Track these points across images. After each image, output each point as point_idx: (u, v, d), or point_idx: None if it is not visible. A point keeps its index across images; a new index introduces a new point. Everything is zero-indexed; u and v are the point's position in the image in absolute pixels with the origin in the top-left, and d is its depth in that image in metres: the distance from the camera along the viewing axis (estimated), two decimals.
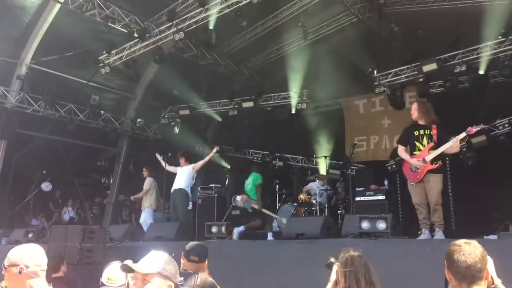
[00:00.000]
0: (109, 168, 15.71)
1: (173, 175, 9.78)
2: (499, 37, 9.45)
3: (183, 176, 9.49)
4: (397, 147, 6.55)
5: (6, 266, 2.63)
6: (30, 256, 2.69)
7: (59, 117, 12.52)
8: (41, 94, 12.06)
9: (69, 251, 6.27)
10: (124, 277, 3.26)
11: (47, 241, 7.23)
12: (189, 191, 9.51)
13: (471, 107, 9.94)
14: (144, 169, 11.27)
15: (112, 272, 3.15)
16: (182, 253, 3.65)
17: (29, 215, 12.86)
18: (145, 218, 10.63)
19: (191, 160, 9.87)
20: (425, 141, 5.93)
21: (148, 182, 10.92)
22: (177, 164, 9.91)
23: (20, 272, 2.61)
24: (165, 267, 2.23)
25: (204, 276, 3.48)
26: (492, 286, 2.21)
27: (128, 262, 2.23)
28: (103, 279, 3.26)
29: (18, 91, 11.89)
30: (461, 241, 2.24)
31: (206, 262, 3.70)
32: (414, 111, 6.13)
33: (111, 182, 15.32)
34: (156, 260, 2.25)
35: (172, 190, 9.50)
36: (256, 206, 9.15)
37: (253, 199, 9.22)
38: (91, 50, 11.65)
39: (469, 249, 2.18)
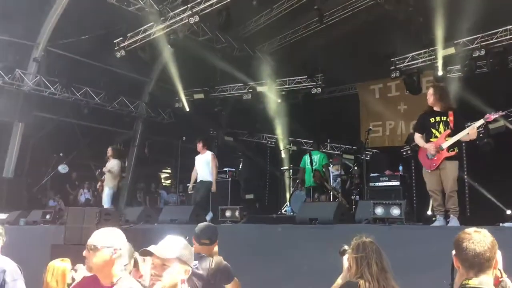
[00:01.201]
0: (124, 151, 15.83)
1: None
2: None
3: (203, 165, 9.08)
4: (412, 133, 6.47)
5: (99, 247, 2.67)
6: (121, 240, 2.80)
7: (75, 100, 12.66)
8: (57, 77, 12.16)
9: (85, 233, 6.36)
10: (128, 257, 3.31)
11: (64, 222, 7.36)
12: (211, 179, 9.03)
13: (489, 92, 9.77)
14: (110, 148, 10.39)
15: None
16: (193, 236, 3.66)
17: (46, 196, 13.07)
18: (106, 200, 9.99)
19: (209, 146, 9.60)
20: (441, 128, 5.82)
21: (116, 164, 10.19)
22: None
23: (112, 255, 2.69)
24: (183, 252, 2.31)
25: (218, 259, 3.50)
26: (500, 279, 2.19)
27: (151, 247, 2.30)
28: None
29: (35, 73, 12.02)
30: (471, 229, 2.23)
31: (216, 243, 3.70)
32: (430, 96, 6.01)
33: (126, 165, 15.46)
34: (174, 246, 2.32)
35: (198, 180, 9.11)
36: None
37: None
38: (107, 34, 11.67)
39: (479, 238, 2.16)
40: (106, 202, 10.00)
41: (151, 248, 2.29)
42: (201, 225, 3.81)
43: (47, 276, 3.61)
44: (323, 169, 9.66)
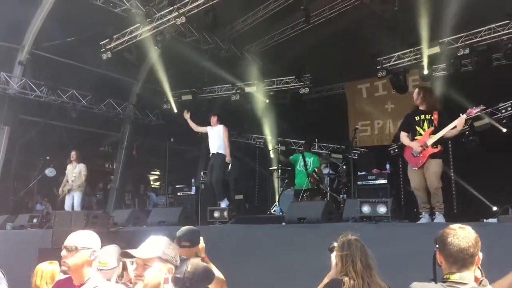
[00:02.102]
0: (112, 154, 15.77)
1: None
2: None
3: (215, 138, 8.89)
4: (399, 132, 6.56)
5: (79, 248, 2.78)
6: (98, 242, 2.92)
7: (62, 103, 12.56)
8: (43, 80, 12.07)
9: None
10: (116, 260, 3.31)
11: (52, 226, 7.31)
12: (224, 152, 8.80)
13: (474, 90, 9.87)
14: (74, 152, 10.42)
15: (103, 255, 3.19)
16: (175, 239, 3.64)
17: (33, 200, 12.95)
18: (78, 202, 10.09)
19: (223, 121, 9.21)
20: (425, 125, 5.94)
21: (84, 168, 10.29)
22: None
23: (90, 256, 2.81)
24: (165, 251, 2.29)
25: (195, 261, 3.48)
26: (481, 279, 2.22)
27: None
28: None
29: (20, 76, 11.91)
30: (456, 225, 2.26)
31: (201, 246, 3.68)
32: (415, 96, 6.13)
33: (114, 167, 15.40)
34: (155, 245, 2.30)
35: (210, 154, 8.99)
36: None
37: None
38: (93, 35, 11.60)
39: (463, 234, 2.20)
40: (79, 206, 10.04)
41: (130, 250, 2.30)
42: (183, 228, 3.81)
43: (36, 279, 3.61)
44: (316, 171, 9.75)
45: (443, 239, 2.21)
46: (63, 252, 2.81)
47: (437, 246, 2.26)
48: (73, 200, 10.13)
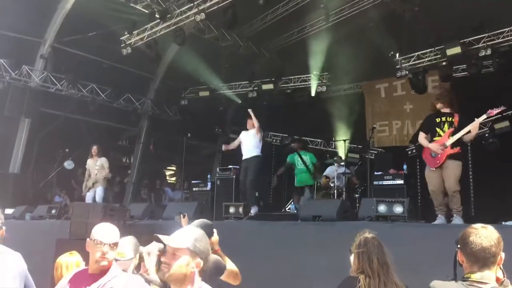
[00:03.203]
0: (130, 148, 15.92)
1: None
2: None
3: (250, 139, 8.66)
4: (417, 132, 6.52)
5: (111, 244, 2.89)
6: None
7: (81, 97, 12.73)
8: (64, 74, 12.24)
9: (90, 228, 6.39)
10: (133, 251, 3.35)
11: (70, 217, 7.43)
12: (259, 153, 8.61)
13: (495, 92, 9.74)
14: (96, 147, 10.51)
15: (121, 246, 3.23)
16: None
17: (52, 192, 13.15)
18: (100, 195, 10.24)
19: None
20: (446, 127, 5.91)
21: (106, 161, 10.42)
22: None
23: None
24: (196, 244, 2.19)
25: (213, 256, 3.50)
26: (502, 279, 2.20)
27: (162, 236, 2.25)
28: None
29: (42, 70, 12.11)
30: (478, 225, 2.24)
31: (214, 239, 3.69)
32: (437, 100, 6.10)
33: (131, 161, 15.55)
34: (187, 236, 2.23)
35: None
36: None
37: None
38: (113, 31, 11.73)
39: (485, 233, 2.18)
40: (101, 199, 10.19)
41: (162, 236, 2.22)
42: (197, 221, 3.82)
43: (61, 271, 3.62)
44: (317, 166, 9.78)
45: (465, 238, 2.20)
46: (105, 248, 2.86)
47: (458, 245, 2.24)
48: (94, 193, 10.25)
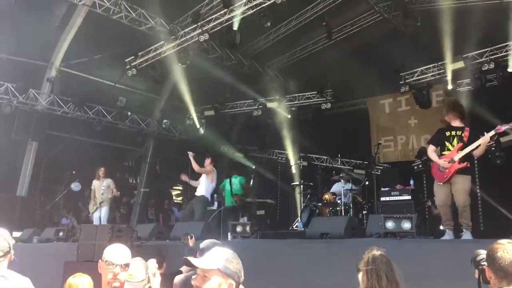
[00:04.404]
0: (136, 169, 15.96)
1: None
2: None
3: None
4: (423, 147, 6.51)
5: (123, 265, 2.88)
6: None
7: (88, 119, 12.83)
8: (70, 96, 12.37)
9: (98, 249, 6.41)
10: (144, 273, 3.35)
11: (77, 240, 7.43)
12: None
13: (500, 106, 9.73)
14: (103, 169, 10.94)
15: (132, 268, 3.22)
16: (197, 252, 3.68)
17: (59, 214, 13.17)
18: (105, 216, 10.58)
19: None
20: (455, 141, 5.91)
21: (112, 182, 10.80)
22: (202, 166, 9.98)
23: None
24: (227, 264, 2.11)
25: None
26: None
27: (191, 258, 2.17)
28: None
29: (48, 93, 12.23)
30: (504, 240, 2.26)
31: None
32: (448, 114, 6.11)
33: (137, 182, 15.57)
34: (218, 256, 2.16)
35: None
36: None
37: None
38: (118, 53, 11.87)
39: None
40: (105, 220, 10.41)
41: (191, 258, 2.15)
42: (206, 240, 3.85)
43: None
44: (243, 188, 10.76)
45: (492, 253, 2.21)
46: (117, 269, 2.85)
47: (481, 263, 2.25)
48: (100, 213, 10.45)
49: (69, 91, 12.45)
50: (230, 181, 10.77)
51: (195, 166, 9.75)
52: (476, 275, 2.42)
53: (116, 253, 2.92)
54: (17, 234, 10.01)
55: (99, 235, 6.78)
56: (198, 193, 9.82)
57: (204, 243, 3.77)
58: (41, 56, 11.96)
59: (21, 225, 10.71)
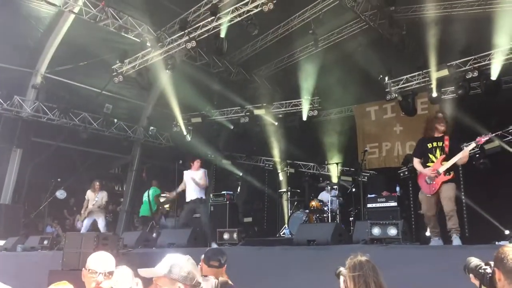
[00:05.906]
0: (122, 176, 15.85)
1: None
2: (511, 43, 9.40)
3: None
4: (409, 154, 6.61)
5: (106, 273, 2.88)
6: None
7: (73, 126, 12.72)
8: (55, 103, 12.26)
9: (83, 258, 6.34)
10: (130, 281, 3.33)
11: (62, 248, 7.33)
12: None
13: (484, 113, 9.88)
14: (99, 182, 11.03)
15: (117, 276, 3.20)
16: (202, 258, 3.68)
17: (43, 222, 13.00)
18: (102, 225, 10.70)
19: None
20: (438, 153, 6.03)
21: (106, 195, 10.92)
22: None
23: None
24: (172, 270, 2.16)
25: (224, 280, 3.51)
26: None
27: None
28: None
29: (33, 100, 12.11)
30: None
31: (225, 267, 3.73)
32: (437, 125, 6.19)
33: (124, 189, 15.46)
34: (164, 263, 2.21)
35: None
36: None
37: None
38: (105, 60, 11.82)
39: None
40: (104, 228, 10.53)
41: (140, 269, 2.23)
42: (212, 248, 3.90)
43: None
44: (155, 200, 12.04)
45: (503, 256, 2.25)
46: (100, 277, 2.83)
47: (489, 266, 2.30)
48: (91, 222, 10.64)
49: (55, 98, 12.33)
50: (148, 192, 11.98)
51: (202, 181, 9.00)
52: (473, 280, 2.46)
53: (100, 261, 2.90)
54: (1, 242, 9.88)
55: (84, 243, 6.69)
56: (193, 196, 8.89)
57: (212, 251, 3.83)
58: (26, 63, 11.85)
59: (5, 234, 10.57)
